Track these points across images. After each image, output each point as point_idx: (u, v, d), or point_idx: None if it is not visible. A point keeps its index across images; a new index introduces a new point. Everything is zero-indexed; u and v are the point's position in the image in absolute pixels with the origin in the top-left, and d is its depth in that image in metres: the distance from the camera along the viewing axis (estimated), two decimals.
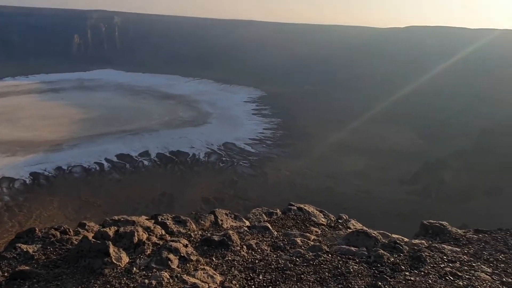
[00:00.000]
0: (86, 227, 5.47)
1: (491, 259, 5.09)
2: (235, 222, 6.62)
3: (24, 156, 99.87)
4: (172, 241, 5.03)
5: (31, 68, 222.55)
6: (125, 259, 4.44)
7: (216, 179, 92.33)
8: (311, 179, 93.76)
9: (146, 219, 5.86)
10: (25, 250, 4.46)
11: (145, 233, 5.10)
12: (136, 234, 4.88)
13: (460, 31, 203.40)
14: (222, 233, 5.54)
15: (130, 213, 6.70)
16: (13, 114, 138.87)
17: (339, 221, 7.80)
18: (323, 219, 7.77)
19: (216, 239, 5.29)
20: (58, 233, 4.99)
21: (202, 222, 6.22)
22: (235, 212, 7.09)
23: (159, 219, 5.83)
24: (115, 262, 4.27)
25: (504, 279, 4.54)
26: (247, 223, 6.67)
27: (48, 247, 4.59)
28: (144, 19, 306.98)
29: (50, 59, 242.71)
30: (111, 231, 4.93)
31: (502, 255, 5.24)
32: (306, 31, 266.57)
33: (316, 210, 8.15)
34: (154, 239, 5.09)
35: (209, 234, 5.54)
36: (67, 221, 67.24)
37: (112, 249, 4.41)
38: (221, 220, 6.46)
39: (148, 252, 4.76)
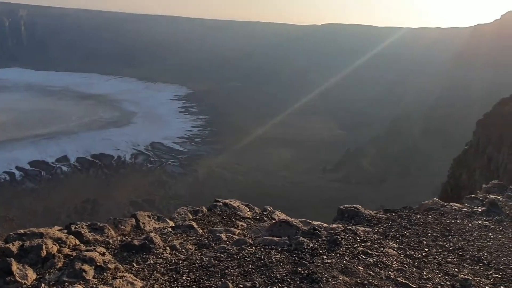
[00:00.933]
0: None
1: (397, 235, 5.56)
2: (158, 223, 6.40)
3: None
4: (87, 250, 4.70)
5: None
6: (32, 275, 4.04)
7: (145, 181, 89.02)
8: (241, 174, 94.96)
9: (58, 230, 5.40)
10: None
11: (55, 245, 4.69)
12: (44, 247, 4.46)
13: (370, 29, 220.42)
14: (144, 236, 5.31)
15: (50, 225, 6.15)
16: None
17: (264, 213, 7.95)
18: (248, 213, 7.86)
19: (136, 243, 5.06)
20: None
21: (122, 227, 5.90)
22: (159, 213, 6.86)
23: (73, 228, 5.41)
24: (19, 280, 3.86)
25: (408, 252, 5.00)
26: (171, 224, 6.49)
27: None
28: (54, 12, 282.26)
29: None
30: (14, 247, 4.45)
31: (406, 231, 5.77)
32: (230, 28, 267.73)
33: (242, 204, 8.22)
34: (66, 250, 4.71)
35: (129, 239, 5.28)
36: None
37: (15, 267, 3.98)
38: (143, 223, 6.19)
39: (59, 265, 4.38)
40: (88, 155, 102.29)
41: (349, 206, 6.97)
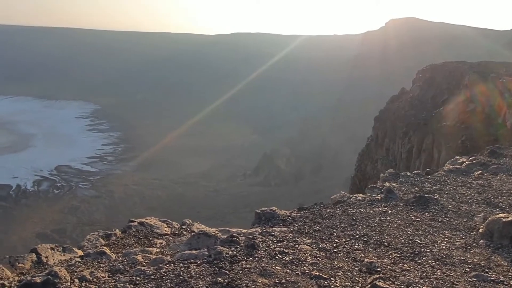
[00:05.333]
0: None
1: (310, 231, 5.86)
2: (64, 255, 5.83)
3: None
4: None
5: None
6: None
7: (53, 209, 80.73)
8: (161, 188, 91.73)
9: None
10: None
11: None
12: None
13: (275, 37, 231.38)
14: (47, 271, 4.80)
15: None
16: None
17: (183, 227, 7.76)
18: (166, 229, 7.59)
19: (38, 280, 4.55)
20: None
21: (20, 265, 5.25)
22: (75, 243, 6.28)
23: None
24: None
25: (320, 245, 5.30)
26: (80, 253, 5.97)
27: None
28: None
29: None
30: None
31: (318, 225, 6.11)
32: (133, 39, 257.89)
33: (159, 221, 7.91)
34: None
35: (29, 277, 4.72)
36: None
37: None
38: (46, 257, 5.59)
39: None
40: None
41: (265, 209, 7.15)
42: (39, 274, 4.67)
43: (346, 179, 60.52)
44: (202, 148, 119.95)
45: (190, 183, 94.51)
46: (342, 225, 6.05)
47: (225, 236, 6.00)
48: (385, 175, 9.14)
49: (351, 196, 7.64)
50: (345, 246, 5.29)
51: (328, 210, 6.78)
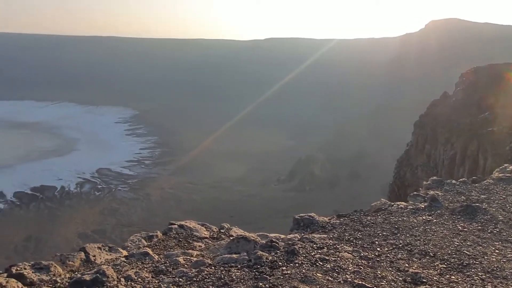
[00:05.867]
0: None
1: (351, 238, 5.77)
2: (110, 254, 6.08)
3: None
4: None
5: None
6: None
7: (93, 210, 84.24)
8: (196, 192, 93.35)
9: None
10: None
11: None
12: None
13: (310, 42, 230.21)
14: (95, 270, 5.03)
15: None
16: None
17: (222, 231, 7.87)
18: (205, 232, 7.73)
19: (87, 278, 4.77)
20: None
21: (70, 262, 5.53)
22: (115, 243, 6.54)
23: (14, 271, 4.98)
24: None
25: (362, 253, 5.20)
26: (125, 253, 6.20)
27: None
28: None
29: None
30: None
31: (359, 233, 6.00)
32: (172, 46, 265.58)
33: (198, 224, 8.07)
34: None
35: (79, 275, 4.96)
36: None
37: None
38: (94, 256, 5.85)
39: None
40: (27, 188, 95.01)
41: (304, 215, 7.12)
42: (88, 272, 4.90)
43: (383, 186, 58.91)
44: (237, 152, 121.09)
45: (225, 187, 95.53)
46: (384, 233, 5.92)
47: (264, 241, 6.03)
48: (428, 182, 8.83)
49: (392, 203, 7.44)
50: (388, 255, 5.16)
51: (368, 218, 6.66)
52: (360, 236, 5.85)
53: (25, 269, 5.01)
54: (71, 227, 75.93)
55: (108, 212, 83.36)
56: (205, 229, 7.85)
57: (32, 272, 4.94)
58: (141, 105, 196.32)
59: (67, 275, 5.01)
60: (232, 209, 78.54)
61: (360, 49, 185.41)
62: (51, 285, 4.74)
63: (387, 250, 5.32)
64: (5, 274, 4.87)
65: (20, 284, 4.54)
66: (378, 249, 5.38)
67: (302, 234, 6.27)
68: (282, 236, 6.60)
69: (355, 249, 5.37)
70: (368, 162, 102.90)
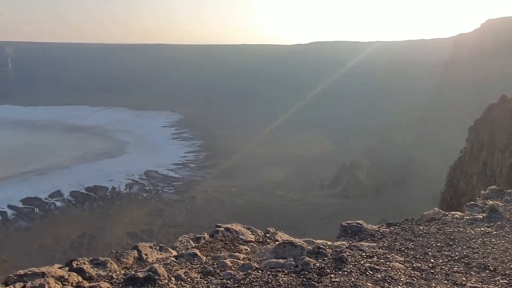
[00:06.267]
0: None
1: (402, 248, 5.56)
2: (160, 254, 6.32)
3: None
4: (91, 287, 4.62)
5: None
6: None
7: (141, 211, 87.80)
8: (239, 196, 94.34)
9: (59, 268, 5.30)
10: None
11: (58, 283, 4.60)
12: (47, 287, 4.38)
13: (355, 44, 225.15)
14: (147, 268, 5.24)
15: (46, 263, 6.01)
16: None
17: (267, 235, 7.91)
18: (251, 236, 7.80)
19: (140, 275, 4.99)
20: None
21: (124, 260, 5.82)
22: (162, 243, 6.79)
23: (74, 265, 5.32)
24: None
25: (414, 264, 4.99)
26: (174, 253, 6.41)
27: None
28: (39, 48, 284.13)
29: None
30: None
31: (411, 243, 5.77)
32: (216, 52, 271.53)
33: (244, 227, 8.17)
34: None
35: (133, 272, 5.20)
36: None
37: None
38: (146, 255, 6.11)
39: None
40: (82, 188, 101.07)
41: (352, 222, 6.97)
42: (141, 270, 5.13)
43: (434, 194, 56.09)
44: (279, 157, 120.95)
45: (268, 192, 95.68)
46: (438, 244, 5.65)
47: (311, 247, 5.98)
48: (486, 192, 8.31)
49: (446, 213, 7.08)
50: (443, 267, 4.92)
51: (421, 227, 6.39)
52: (412, 246, 5.62)
53: (84, 264, 5.35)
54: (121, 226, 79.59)
55: (155, 213, 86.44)
56: (250, 233, 7.93)
57: (91, 267, 5.26)
58: (187, 109, 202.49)
59: (122, 272, 5.28)
60: (274, 213, 78.47)
61: (408, 51, 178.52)
62: (107, 280, 5.01)
63: (441, 262, 5.07)
64: (67, 268, 5.23)
65: (80, 278, 4.84)
66: (432, 260, 5.14)
67: (350, 242, 6.15)
68: (329, 243, 6.50)
69: (407, 259, 5.17)
70: (415, 169, 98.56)
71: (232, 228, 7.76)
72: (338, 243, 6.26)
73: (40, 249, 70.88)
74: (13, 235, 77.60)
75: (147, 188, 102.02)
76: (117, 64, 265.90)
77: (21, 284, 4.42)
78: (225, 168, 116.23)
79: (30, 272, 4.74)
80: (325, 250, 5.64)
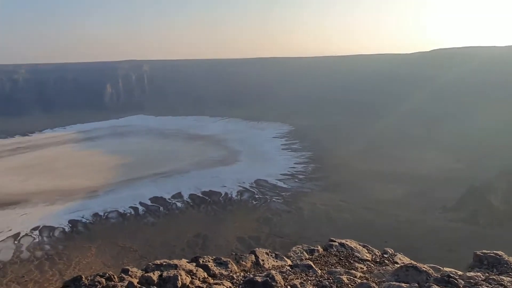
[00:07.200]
0: (130, 272, 5.51)
1: None
2: (276, 261, 6.47)
3: (63, 204, 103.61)
4: (216, 284, 4.97)
5: (68, 119, 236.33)
6: None
7: (250, 217, 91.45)
8: (348, 212, 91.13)
9: (188, 262, 5.85)
10: None
11: (188, 276, 5.08)
12: (179, 278, 4.86)
13: (489, 50, 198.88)
14: (265, 273, 5.41)
15: (166, 257, 6.69)
16: (52, 164, 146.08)
17: (385, 255, 7.45)
18: (367, 255, 7.45)
19: (259, 280, 5.17)
20: (103, 280, 5.05)
21: (243, 262, 6.13)
22: (275, 251, 6.96)
23: (200, 262, 5.80)
24: None
25: None
26: (289, 262, 6.49)
27: None
28: (169, 64, 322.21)
29: (85, 109, 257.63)
30: (155, 276, 4.94)
31: None
32: (328, 63, 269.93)
33: (359, 245, 7.85)
34: (197, 282, 5.05)
35: (251, 275, 5.42)
36: (105, 268, 67.94)
37: None
38: (262, 260, 6.33)
39: None
40: (199, 192, 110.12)
41: (489, 252, 6.12)
42: (259, 275, 5.33)
43: None
44: (396, 174, 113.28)
45: (380, 210, 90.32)
46: None
47: (439, 275, 5.42)
48: None
49: None
50: None
51: None
52: None
53: (208, 262, 5.81)
54: (231, 230, 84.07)
55: (263, 221, 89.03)
56: (366, 251, 7.56)
57: (214, 266, 5.69)
58: (297, 121, 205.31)
59: (241, 274, 5.56)
60: (387, 234, 73.43)
61: None
62: (229, 280, 5.34)
63: None
64: (194, 263, 5.76)
65: (205, 274, 5.28)
66: None
67: (487, 274, 5.39)
68: (459, 272, 5.83)
69: None
70: None
71: (347, 244, 7.53)
72: (472, 274, 5.55)
73: (163, 244, 79.24)
74: (142, 228, 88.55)
75: (256, 196, 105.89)
76: (233, 78, 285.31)
77: (159, 272, 5.00)
78: (334, 181, 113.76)
79: (165, 263, 5.34)
80: (456, 280, 5.05)
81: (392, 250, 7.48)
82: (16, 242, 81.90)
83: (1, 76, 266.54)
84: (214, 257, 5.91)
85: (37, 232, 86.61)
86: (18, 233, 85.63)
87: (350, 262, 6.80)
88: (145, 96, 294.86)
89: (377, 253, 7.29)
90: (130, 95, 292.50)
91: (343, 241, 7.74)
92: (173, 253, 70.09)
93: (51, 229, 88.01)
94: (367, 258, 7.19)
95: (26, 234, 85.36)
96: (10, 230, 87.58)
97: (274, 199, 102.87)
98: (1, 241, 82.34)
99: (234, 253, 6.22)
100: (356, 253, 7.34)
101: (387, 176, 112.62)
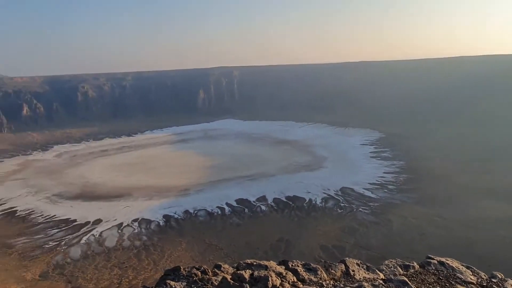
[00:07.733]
0: (222, 268, 5.78)
1: None
2: (368, 273, 6.21)
3: (158, 200, 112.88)
4: None
5: (166, 122, 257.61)
6: None
7: (335, 226, 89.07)
8: (444, 228, 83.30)
9: (277, 264, 5.92)
10: (173, 286, 4.94)
11: (278, 278, 5.14)
12: (270, 279, 4.95)
13: None
14: (356, 285, 5.23)
15: (250, 257, 6.84)
16: (151, 162, 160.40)
17: (493, 279, 6.67)
18: (471, 277, 6.75)
19: None
20: (199, 273, 5.39)
21: (332, 271, 6.00)
22: (367, 263, 6.67)
23: (290, 265, 5.83)
24: None
25: None
26: (381, 276, 6.18)
27: (192, 286, 4.99)
28: (258, 70, 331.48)
29: (180, 113, 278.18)
30: (246, 274, 5.11)
31: None
32: (424, 66, 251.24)
33: (462, 265, 7.15)
34: (287, 285, 5.08)
35: (341, 285, 5.28)
36: (193, 262, 72.16)
37: None
38: (353, 271, 6.13)
39: None
40: (283, 196, 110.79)
41: None
42: (350, 285, 5.16)
43: None
44: (504, 189, 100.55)
45: (482, 229, 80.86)
46: None
47: None
48: None
49: None
50: None
51: None
52: None
53: (298, 266, 5.82)
54: (314, 238, 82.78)
55: (348, 231, 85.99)
56: (471, 273, 6.84)
57: (303, 271, 5.68)
58: (388, 128, 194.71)
59: (331, 282, 5.45)
60: (490, 256, 65.37)
61: None
62: (318, 287, 5.27)
63: None
64: (283, 266, 5.82)
65: (295, 278, 5.29)
66: None
67: None
68: None
69: None
70: None
71: (448, 263, 6.90)
72: None
73: (247, 244, 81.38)
74: (228, 228, 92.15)
75: (342, 204, 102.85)
76: (321, 83, 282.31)
77: (250, 271, 5.16)
78: (428, 194, 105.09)
79: (255, 263, 5.49)
80: None
81: (502, 275, 6.68)
82: (119, 231, 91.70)
83: (112, 83, 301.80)
84: (303, 262, 5.89)
85: (136, 223, 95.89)
86: (121, 223, 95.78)
87: (452, 283, 6.25)
88: (234, 100, 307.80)
89: (483, 277, 6.56)
90: (220, 99, 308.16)
91: (443, 259, 7.13)
92: (256, 255, 71.55)
93: (148, 222, 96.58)
94: (472, 280, 6.53)
95: (128, 225, 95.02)
96: (115, 220, 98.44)
97: (360, 209, 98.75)
98: (108, 229, 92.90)
99: (323, 260, 6.12)
100: (458, 274, 6.71)
101: (496, 191, 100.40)
